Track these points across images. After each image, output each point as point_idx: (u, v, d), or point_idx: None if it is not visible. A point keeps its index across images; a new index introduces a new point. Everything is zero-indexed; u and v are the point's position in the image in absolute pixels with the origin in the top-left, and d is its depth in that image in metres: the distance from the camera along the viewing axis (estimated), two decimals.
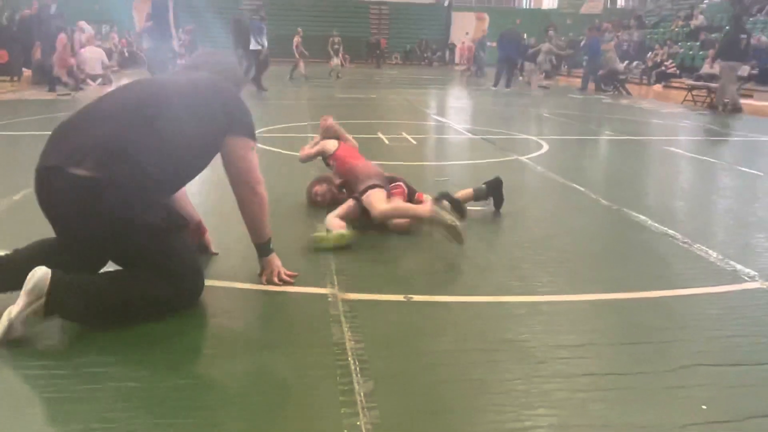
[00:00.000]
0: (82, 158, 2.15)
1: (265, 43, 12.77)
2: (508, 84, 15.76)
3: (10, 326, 2.01)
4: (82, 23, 14.56)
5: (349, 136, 4.15)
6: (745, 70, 12.76)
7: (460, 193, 3.75)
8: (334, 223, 3.26)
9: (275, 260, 2.69)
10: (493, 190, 3.88)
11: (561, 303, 2.59)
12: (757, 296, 2.70)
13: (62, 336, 2.16)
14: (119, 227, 2.19)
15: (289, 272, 2.70)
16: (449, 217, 3.09)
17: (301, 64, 17.24)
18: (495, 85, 15.70)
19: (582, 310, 2.56)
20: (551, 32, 18.49)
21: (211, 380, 1.93)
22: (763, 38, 14.66)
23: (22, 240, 2.43)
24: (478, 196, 3.80)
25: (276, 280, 2.65)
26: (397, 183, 3.66)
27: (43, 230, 2.34)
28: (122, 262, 2.33)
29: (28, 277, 2.05)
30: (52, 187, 2.20)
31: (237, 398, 1.81)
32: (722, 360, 2.11)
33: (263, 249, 2.68)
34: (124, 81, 9.11)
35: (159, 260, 2.26)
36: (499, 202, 3.92)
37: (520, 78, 18.47)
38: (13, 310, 2.03)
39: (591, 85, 16.25)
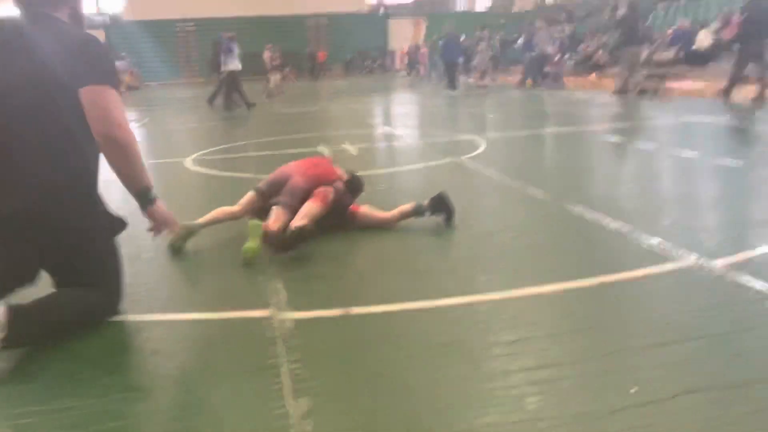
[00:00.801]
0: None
1: (236, 64, 12.81)
2: (453, 86, 15.94)
3: None
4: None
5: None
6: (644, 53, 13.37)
7: (400, 208, 3.73)
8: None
9: (160, 208, 2.47)
10: (438, 206, 3.71)
11: (498, 301, 2.61)
12: (686, 274, 2.78)
13: None
14: (74, 240, 2.29)
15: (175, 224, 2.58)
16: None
17: (272, 79, 16.94)
18: (453, 88, 15.83)
19: (518, 305, 2.59)
20: (486, 32, 18.88)
21: (143, 418, 1.86)
22: (686, 23, 15.27)
23: None
24: (417, 212, 3.71)
25: (166, 225, 2.53)
26: (325, 188, 3.53)
27: None
28: (61, 271, 2.36)
29: None
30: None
31: (171, 429, 1.76)
32: (653, 341, 2.17)
33: (143, 198, 2.41)
34: None
35: (105, 267, 2.41)
36: (449, 217, 3.72)
37: (470, 80, 18.66)
38: None
39: (529, 81, 16.63)
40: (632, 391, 1.84)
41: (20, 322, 2.08)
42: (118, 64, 22.12)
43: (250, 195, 3.64)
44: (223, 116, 12.32)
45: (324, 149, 6.95)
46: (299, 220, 3.25)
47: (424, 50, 25.43)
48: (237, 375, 2.07)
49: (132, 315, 2.60)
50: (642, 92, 12.15)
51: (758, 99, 9.92)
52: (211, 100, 13.60)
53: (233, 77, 12.76)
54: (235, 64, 12.69)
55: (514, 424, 1.73)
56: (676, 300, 2.51)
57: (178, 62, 32.03)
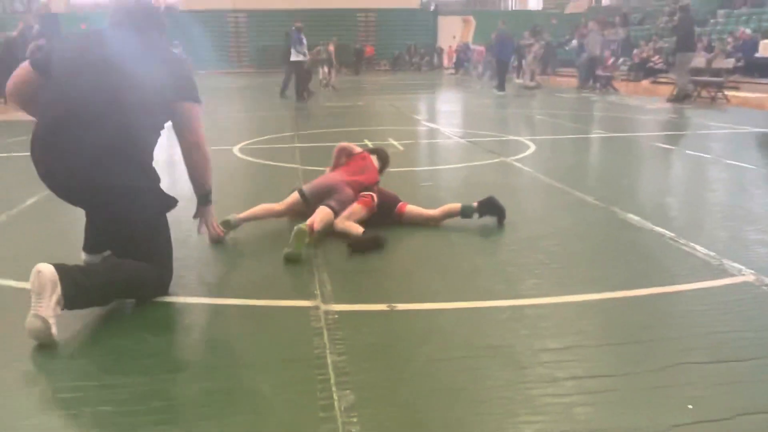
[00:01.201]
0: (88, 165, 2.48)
1: (305, 55, 13.10)
2: (502, 87, 15.60)
3: (44, 327, 2.12)
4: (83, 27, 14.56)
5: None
6: (700, 60, 12.99)
7: (446, 207, 3.71)
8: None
9: (212, 211, 3.16)
10: (489, 209, 3.67)
11: (546, 306, 2.56)
12: (743, 290, 2.68)
13: (36, 359, 2.11)
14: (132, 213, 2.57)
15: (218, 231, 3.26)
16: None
17: (333, 73, 17.12)
18: (502, 89, 15.45)
19: (567, 312, 2.53)
20: (539, 30, 18.56)
21: (187, 400, 1.89)
22: (747, 31, 14.74)
23: (8, 261, 2.38)
24: (465, 213, 3.67)
25: (212, 229, 3.19)
26: (368, 193, 3.65)
27: (32, 248, 2.30)
28: (121, 244, 2.60)
29: (33, 275, 2.15)
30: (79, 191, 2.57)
31: (214, 417, 1.77)
32: (709, 357, 2.09)
33: (204, 198, 3.06)
34: None
35: (154, 243, 2.62)
36: (501, 219, 3.68)
37: (518, 80, 18.28)
38: (43, 311, 2.12)
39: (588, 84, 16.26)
40: (689, 407, 1.78)
41: (69, 282, 2.20)
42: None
43: (294, 196, 3.62)
44: (270, 106, 12.45)
45: (368, 143, 6.94)
46: (343, 221, 3.43)
47: (480, 48, 24.69)
48: (282, 363, 2.07)
49: (179, 297, 2.64)
50: (686, 98, 11.88)
51: None
52: (282, 91, 13.78)
53: (300, 67, 13.02)
54: (303, 55, 12.89)
55: None
56: (733, 316, 2.41)
57: (229, 52, 32.54)
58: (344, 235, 3.34)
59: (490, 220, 3.69)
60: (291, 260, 3.03)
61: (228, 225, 3.40)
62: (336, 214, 3.44)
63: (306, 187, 3.64)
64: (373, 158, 3.95)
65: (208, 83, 21.38)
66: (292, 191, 3.69)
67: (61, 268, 2.20)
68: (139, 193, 2.57)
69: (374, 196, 3.66)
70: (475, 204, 3.67)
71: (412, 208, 3.70)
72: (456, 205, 3.71)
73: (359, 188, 3.65)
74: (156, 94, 2.63)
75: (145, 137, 2.68)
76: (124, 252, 2.55)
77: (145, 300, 2.55)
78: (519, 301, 2.59)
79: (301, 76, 13.16)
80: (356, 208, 3.56)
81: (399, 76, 25.94)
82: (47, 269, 2.16)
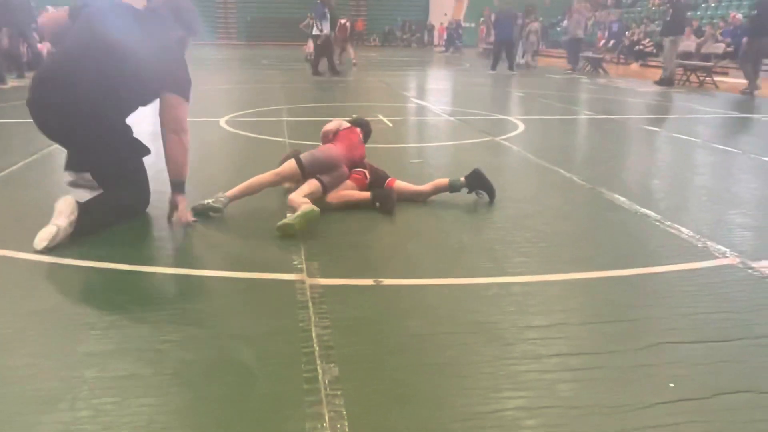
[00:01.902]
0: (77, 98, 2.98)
1: (326, 29, 12.87)
2: (512, 66, 15.30)
3: (58, 232, 2.76)
4: (50, 8, 14.21)
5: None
6: (689, 44, 13.06)
7: (434, 182, 3.72)
8: (299, 201, 3.20)
9: (185, 201, 3.20)
10: (477, 183, 3.68)
11: (533, 284, 2.56)
12: (727, 272, 2.70)
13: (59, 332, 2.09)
14: (109, 143, 3.13)
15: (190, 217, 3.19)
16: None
17: (350, 49, 16.59)
18: (493, 68, 15.22)
19: (553, 290, 2.54)
20: (532, 10, 18.39)
21: (172, 368, 1.87)
22: (738, 15, 14.74)
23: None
24: (453, 188, 3.68)
25: (182, 218, 3.15)
26: (359, 170, 3.64)
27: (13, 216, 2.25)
28: (101, 173, 3.24)
29: (60, 201, 2.87)
30: (61, 121, 3.06)
31: (198, 387, 1.77)
32: (691, 337, 2.11)
33: (179, 186, 3.19)
34: None
35: (131, 170, 3.21)
36: (491, 195, 3.69)
37: (521, 61, 17.90)
38: (60, 222, 2.77)
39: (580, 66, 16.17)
40: (671, 385, 1.79)
41: (81, 212, 2.89)
42: None
43: (291, 165, 3.47)
44: (257, 80, 12.29)
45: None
46: (339, 192, 3.51)
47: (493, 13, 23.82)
48: (267, 335, 2.06)
49: (163, 268, 2.62)
50: (670, 82, 11.93)
51: None
52: (314, 69, 13.54)
53: (326, 41, 12.97)
54: (326, 28, 12.76)
55: (546, 409, 1.69)
56: (716, 298, 2.43)
57: (216, 24, 32.00)
58: (347, 204, 3.45)
59: (476, 197, 3.69)
60: (284, 232, 3.00)
61: (218, 210, 3.25)
62: (325, 191, 3.41)
63: (304, 157, 3.51)
64: (358, 130, 3.92)
65: (196, 54, 21.04)
66: (286, 159, 3.62)
67: (78, 202, 2.92)
68: (113, 131, 3.15)
69: (366, 173, 3.65)
70: (462, 179, 3.66)
71: (400, 184, 3.68)
72: (444, 180, 3.70)
73: (351, 165, 3.62)
74: (149, 79, 3.06)
75: (129, 102, 3.19)
76: (102, 176, 3.22)
77: (134, 218, 3.20)
78: (506, 279, 2.59)
79: (320, 49, 13.05)
80: (349, 185, 3.56)
81: (389, 52, 25.71)
82: (71, 199, 2.89)
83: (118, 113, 3.18)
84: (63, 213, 2.81)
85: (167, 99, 3.09)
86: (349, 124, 3.92)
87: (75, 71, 2.99)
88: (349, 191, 3.55)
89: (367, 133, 4.02)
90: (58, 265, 2.64)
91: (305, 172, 3.46)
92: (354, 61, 16.25)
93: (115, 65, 2.99)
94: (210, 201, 3.26)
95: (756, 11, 11.19)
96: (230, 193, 3.35)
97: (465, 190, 3.67)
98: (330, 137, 3.80)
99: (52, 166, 4.65)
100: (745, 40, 11.23)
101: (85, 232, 2.89)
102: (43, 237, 2.71)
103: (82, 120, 3.01)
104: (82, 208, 2.91)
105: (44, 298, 2.33)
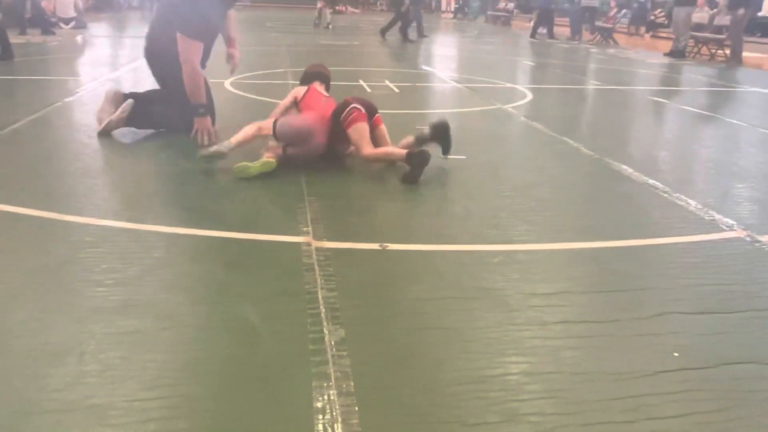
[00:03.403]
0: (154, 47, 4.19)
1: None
2: (551, 34, 15.18)
3: (109, 123, 4.01)
4: None
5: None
6: (701, 16, 12.84)
7: (402, 142, 3.70)
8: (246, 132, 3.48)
9: (206, 122, 3.96)
10: (439, 134, 3.73)
11: (538, 252, 2.56)
12: (733, 245, 2.69)
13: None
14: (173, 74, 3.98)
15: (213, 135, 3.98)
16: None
17: (326, 11, 17.10)
18: (533, 35, 15.10)
19: (558, 258, 2.54)
20: None
21: (178, 326, 1.88)
22: None
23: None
24: (420, 141, 3.70)
25: (202, 139, 3.89)
26: (354, 108, 3.52)
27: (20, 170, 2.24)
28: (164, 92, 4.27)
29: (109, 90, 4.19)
30: (147, 57, 4.31)
31: (205, 345, 1.78)
32: (696, 308, 2.11)
33: (194, 110, 3.94)
34: (97, 25, 8.82)
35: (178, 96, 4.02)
36: (446, 147, 3.75)
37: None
38: (114, 115, 4.02)
39: (585, 34, 15.92)
40: (675, 355, 1.80)
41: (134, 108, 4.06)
42: None
43: (268, 125, 3.49)
44: (262, 42, 12.13)
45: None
46: (371, 148, 3.54)
47: None
48: (273, 296, 2.07)
49: (171, 228, 2.61)
50: (681, 54, 11.81)
51: None
52: (404, 36, 13.57)
53: (408, 9, 13.13)
54: None
55: (549, 374, 1.71)
56: (722, 270, 2.43)
57: None
58: (382, 160, 3.52)
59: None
60: (239, 173, 3.24)
61: (222, 155, 3.39)
62: (283, 153, 3.48)
63: (280, 123, 3.48)
64: (316, 85, 3.84)
65: None
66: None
67: (133, 95, 4.14)
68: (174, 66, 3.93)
69: (359, 107, 3.52)
70: (426, 131, 3.74)
71: (382, 131, 3.64)
72: (410, 138, 3.73)
73: (329, 124, 3.54)
74: (175, 24, 3.91)
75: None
76: (163, 95, 4.23)
77: (175, 130, 4.09)
78: (511, 246, 2.59)
79: (404, 16, 13.25)
80: (361, 126, 3.48)
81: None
82: (120, 92, 4.17)
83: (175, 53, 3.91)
84: (111, 104, 4.04)
85: (178, 37, 3.86)
86: (305, 88, 3.81)
87: (152, 21, 4.34)
88: (387, 148, 3.56)
89: (326, 81, 3.98)
90: (63, 222, 2.65)
91: (276, 137, 3.48)
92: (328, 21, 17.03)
93: (163, 14, 4.16)
94: (216, 147, 3.42)
95: None
96: (233, 140, 3.45)
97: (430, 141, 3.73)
98: (294, 110, 3.75)
99: (57, 122, 4.62)
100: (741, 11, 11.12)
101: (137, 124, 4.09)
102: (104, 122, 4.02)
103: (154, 59, 4.21)
104: (139, 102, 4.08)
105: (51, 255, 2.33)
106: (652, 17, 16.67)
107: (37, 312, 1.92)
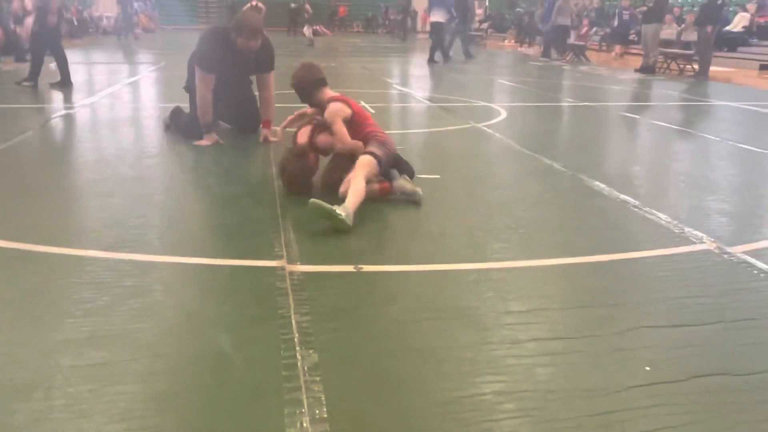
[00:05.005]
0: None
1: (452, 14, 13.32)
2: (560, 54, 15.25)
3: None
4: None
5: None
6: (669, 32, 13.24)
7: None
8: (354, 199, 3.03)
9: (211, 137, 4.73)
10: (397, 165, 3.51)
11: (512, 269, 2.57)
12: (703, 258, 2.73)
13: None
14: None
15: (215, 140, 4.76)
16: (410, 186, 3.34)
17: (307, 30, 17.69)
18: (546, 56, 15.10)
19: (532, 276, 2.55)
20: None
21: (148, 356, 1.85)
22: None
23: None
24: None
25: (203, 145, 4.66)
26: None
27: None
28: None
29: None
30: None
31: (176, 375, 1.75)
32: (667, 321, 2.13)
33: (204, 127, 4.74)
34: (71, 52, 8.77)
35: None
36: (409, 172, 3.54)
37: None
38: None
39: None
40: (647, 369, 1.81)
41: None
42: (137, 5, 22.04)
43: (369, 165, 3.25)
44: None
45: None
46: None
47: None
48: (246, 322, 2.05)
49: (142, 255, 2.58)
50: (651, 69, 12.08)
51: None
52: (431, 59, 13.64)
53: (438, 29, 13.27)
54: (440, 15, 12.74)
55: (524, 393, 1.71)
56: (692, 283, 2.46)
57: (197, 8, 31.55)
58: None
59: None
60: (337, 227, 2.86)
61: (344, 226, 2.88)
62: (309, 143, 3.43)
63: (378, 155, 3.30)
64: (334, 93, 3.65)
65: (175, 38, 20.74)
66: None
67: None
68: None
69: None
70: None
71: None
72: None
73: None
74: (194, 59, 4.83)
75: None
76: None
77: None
78: (485, 265, 2.60)
79: (438, 36, 13.45)
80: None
81: (372, 39, 25.52)
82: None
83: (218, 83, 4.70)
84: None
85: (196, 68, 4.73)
86: (343, 105, 3.49)
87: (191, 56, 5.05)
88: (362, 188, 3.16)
89: (327, 83, 3.72)
90: (31, 252, 2.60)
91: (383, 170, 3.33)
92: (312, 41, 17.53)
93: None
94: (342, 214, 2.88)
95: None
96: (349, 203, 2.97)
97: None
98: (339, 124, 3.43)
99: (27, 151, 4.57)
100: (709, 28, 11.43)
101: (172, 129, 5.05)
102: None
103: (189, 84, 5.08)
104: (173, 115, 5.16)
105: (18, 286, 2.29)
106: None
107: (3, 345, 1.88)
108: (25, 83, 7.83)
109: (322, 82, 3.57)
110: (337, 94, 3.60)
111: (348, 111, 3.42)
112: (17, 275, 2.41)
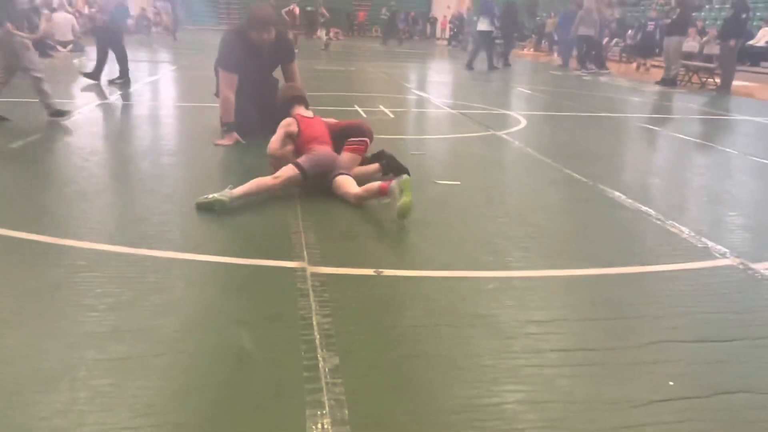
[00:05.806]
0: None
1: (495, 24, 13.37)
2: (588, 64, 14.87)
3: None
4: None
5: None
6: (692, 45, 13.16)
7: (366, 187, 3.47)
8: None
9: (231, 136, 4.79)
10: (390, 166, 3.74)
11: (533, 278, 2.56)
12: (727, 273, 2.70)
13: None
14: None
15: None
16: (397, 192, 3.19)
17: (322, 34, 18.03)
18: (582, 66, 14.90)
19: (554, 285, 2.54)
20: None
21: (171, 352, 1.86)
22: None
23: None
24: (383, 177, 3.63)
25: (217, 143, 4.73)
26: (362, 139, 3.74)
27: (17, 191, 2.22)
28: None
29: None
30: None
31: (198, 372, 1.76)
32: (691, 336, 2.11)
33: (223, 127, 4.90)
34: (94, 49, 8.89)
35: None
36: (402, 171, 3.64)
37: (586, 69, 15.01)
38: None
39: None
40: (670, 383, 1.80)
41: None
42: (158, 5, 22.55)
43: (291, 171, 3.44)
44: None
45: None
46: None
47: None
48: (267, 322, 2.06)
49: (164, 252, 2.60)
50: (673, 82, 11.98)
51: None
52: (490, 64, 13.80)
53: (484, 37, 13.29)
54: (486, 24, 12.86)
55: (546, 403, 1.69)
56: (716, 298, 2.44)
57: (218, 8, 31.79)
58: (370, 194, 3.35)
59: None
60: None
61: (223, 205, 3.14)
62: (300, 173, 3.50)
63: (303, 163, 3.47)
64: (301, 110, 3.95)
65: (195, 38, 20.91)
66: (284, 164, 3.54)
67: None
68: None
69: (366, 141, 3.77)
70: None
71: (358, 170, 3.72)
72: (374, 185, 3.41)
73: (332, 143, 3.74)
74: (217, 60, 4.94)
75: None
76: None
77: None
78: (506, 273, 2.59)
79: (481, 45, 13.42)
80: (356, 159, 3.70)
81: (391, 44, 25.55)
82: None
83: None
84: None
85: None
86: (293, 121, 3.78)
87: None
88: (361, 188, 3.37)
89: (304, 101, 4.06)
90: (57, 245, 2.63)
91: (308, 176, 3.47)
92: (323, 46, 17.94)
93: None
94: (215, 195, 3.17)
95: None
96: (237, 190, 3.24)
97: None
98: (288, 141, 3.76)
99: (52, 145, 4.63)
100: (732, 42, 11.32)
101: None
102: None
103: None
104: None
105: (43, 279, 2.32)
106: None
107: (28, 337, 1.90)
108: (117, 80, 8.39)
109: (297, 100, 4.03)
110: (301, 114, 3.90)
111: (294, 128, 3.75)
112: (43, 267, 2.44)
